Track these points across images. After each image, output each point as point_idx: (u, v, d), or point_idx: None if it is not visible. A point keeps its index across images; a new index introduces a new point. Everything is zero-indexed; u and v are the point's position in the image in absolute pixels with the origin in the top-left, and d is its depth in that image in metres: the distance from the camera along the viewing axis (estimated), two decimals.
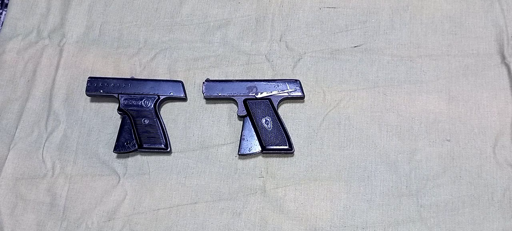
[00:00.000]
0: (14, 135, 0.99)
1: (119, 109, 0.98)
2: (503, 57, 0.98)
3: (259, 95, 0.97)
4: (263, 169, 0.95)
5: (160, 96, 0.99)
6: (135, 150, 0.95)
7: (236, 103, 0.98)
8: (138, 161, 0.97)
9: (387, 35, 1.02)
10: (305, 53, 1.03)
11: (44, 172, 0.96)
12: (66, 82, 1.03)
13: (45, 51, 1.06)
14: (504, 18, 1.01)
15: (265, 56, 1.03)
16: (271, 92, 0.97)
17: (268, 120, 0.95)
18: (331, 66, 1.01)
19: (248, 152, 0.94)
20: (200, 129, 0.99)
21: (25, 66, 1.05)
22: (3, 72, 1.04)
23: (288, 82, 0.98)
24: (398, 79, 0.99)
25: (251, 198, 0.93)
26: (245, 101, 0.97)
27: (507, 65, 0.97)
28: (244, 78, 1.00)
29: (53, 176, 0.96)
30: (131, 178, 0.95)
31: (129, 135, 0.96)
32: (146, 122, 0.96)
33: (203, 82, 0.99)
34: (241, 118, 0.97)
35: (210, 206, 0.93)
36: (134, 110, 0.97)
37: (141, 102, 0.98)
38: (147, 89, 0.99)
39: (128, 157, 0.97)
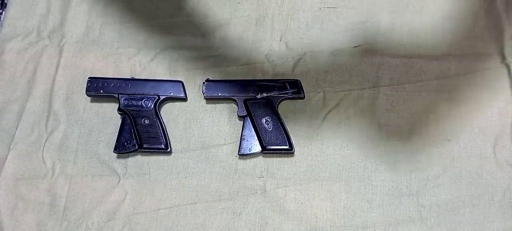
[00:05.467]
0: (14, 135, 0.99)
1: (119, 109, 0.98)
2: (503, 57, 0.98)
3: (259, 95, 0.97)
4: (263, 169, 0.95)
5: (160, 96, 0.99)
6: (135, 150, 0.95)
7: (236, 103, 0.98)
8: (138, 161, 0.97)
9: (387, 35, 1.02)
10: (305, 53, 1.02)
11: (44, 172, 0.96)
12: (66, 82, 1.03)
13: (45, 51, 1.06)
14: (504, 18, 1.01)
15: (265, 56, 1.03)
16: (271, 92, 0.97)
17: (268, 119, 0.95)
18: (331, 66, 1.01)
19: (248, 152, 0.94)
20: (200, 129, 0.99)
21: (25, 66, 1.05)
22: (3, 72, 1.04)
23: (288, 82, 0.98)
24: (398, 79, 0.99)
25: (251, 198, 0.93)
26: (245, 101, 0.97)
27: (507, 65, 0.97)
28: (244, 78, 1.00)
29: (53, 176, 0.96)
30: (131, 178, 0.95)
31: (129, 135, 0.96)
32: (146, 122, 0.96)
33: (203, 82, 0.99)
34: (241, 118, 0.97)
35: (210, 206, 0.93)
36: (134, 110, 0.97)
37: (141, 103, 0.98)
38: (147, 89, 0.99)
39: (128, 157, 0.97)
